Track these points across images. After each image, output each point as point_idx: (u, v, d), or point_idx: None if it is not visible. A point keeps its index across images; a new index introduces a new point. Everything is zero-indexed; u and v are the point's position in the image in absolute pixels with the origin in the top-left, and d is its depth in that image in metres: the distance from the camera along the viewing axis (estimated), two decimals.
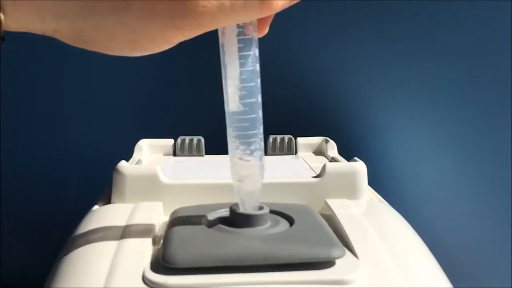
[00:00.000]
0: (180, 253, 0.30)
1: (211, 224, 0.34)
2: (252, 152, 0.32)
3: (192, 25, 0.28)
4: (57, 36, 0.30)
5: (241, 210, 0.34)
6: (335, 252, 0.31)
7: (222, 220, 0.35)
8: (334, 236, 0.33)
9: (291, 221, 0.35)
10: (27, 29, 0.29)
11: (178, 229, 0.34)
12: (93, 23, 0.29)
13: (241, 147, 0.32)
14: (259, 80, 0.32)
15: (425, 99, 0.67)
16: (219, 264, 0.30)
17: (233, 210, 0.34)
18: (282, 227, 0.34)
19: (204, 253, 0.31)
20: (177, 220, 0.36)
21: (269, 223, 0.34)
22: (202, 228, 0.34)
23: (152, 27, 0.28)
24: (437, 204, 0.68)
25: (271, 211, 0.35)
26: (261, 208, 0.34)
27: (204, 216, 0.36)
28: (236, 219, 0.34)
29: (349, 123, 0.70)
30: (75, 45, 0.30)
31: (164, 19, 0.28)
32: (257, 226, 0.33)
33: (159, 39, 0.29)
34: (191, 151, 0.61)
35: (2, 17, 0.28)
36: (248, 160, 0.33)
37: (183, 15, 0.28)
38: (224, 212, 0.36)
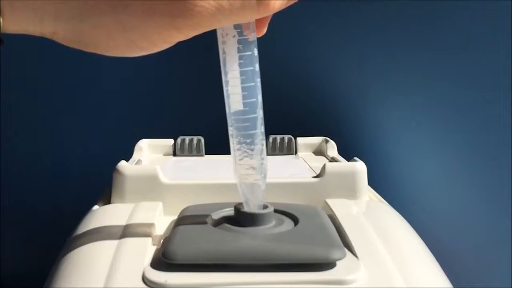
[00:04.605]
0: (181, 249, 0.31)
1: (217, 223, 0.35)
2: (254, 152, 0.33)
3: (190, 25, 0.28)
4: (55, 38, 0.30)
5: (245, 209, 0.34)
6: (335, 254, 0.31)
7: (228, 219, 0.35)
8: (337, 237, 0.33)
9: (296, 221, 0.35)
10: (25, 31, 0.29)
11: (182, 227, 0.34)
12: (91, 23, 0.29)
13: (243, 146, 0.32)
14: (259, 80, 0.32)
15: (426, 99, 0.67)
16: (219, 262, 0.30)
17: (237, 209, 0.34)
18: (286, 226, 0.34)
19: (204, 249, 0.31)
20: (184, 218, 0.36)
21: (273, 222, 0.34)
22: (206, 227, 0.34)
23: (150, 27, 0.28)
24: (437, 204, 0.68)
25: (278, 211, 0.35)
26: (265, 207, 0.34)
27: (210, 215, 0.36)
28: (240, 218, 0.34)
29: (349, 123, 0.70)
30: (73, 46, 0.30)
31: (162, 19, 0.28)
32: (261, 225, 0.34)
33: (157, 39, 0.29)
34: (191, 151, 0.61)
35: (1, 20, 0.28)
36: (250, 160, 0.33)
37: (182, 15, 0.28)
38: (230, 211, 0.36)
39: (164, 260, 0.30)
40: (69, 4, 0.28)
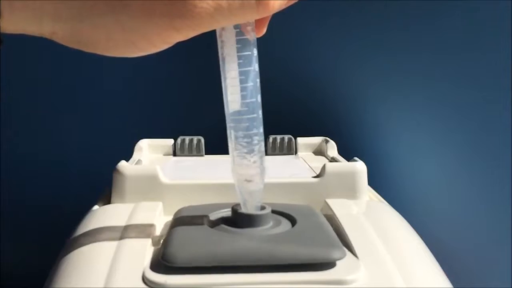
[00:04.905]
0: (180, 252, 0.30)
1: (214, 224, 0.35)
2: (252, 152, 0.32)
3: (189, 26, 0.28)
4: (54, 38, 0.30)
5: (243, 210, 0.34)
6: (335, 254, 0.31)
7: (225, 220, 0.35)
8: (335, 237, 0.33)
9: (293, 221, 0.35)
10: (24, 32, 0.29)
11: (179, 229, 0.34)
12: (90, 23, 0.29)
13: (242, 147, 0.32)
14: (258, 80, 0.32)
15: (426, 99, 0.67)
16: (219, 264, 0.30)
17: (235, 210, 0.34)
18: (284, 227, 0.34)
19: (204, 252, 0.31)
20: (180, 219, 0.36)
21: (271, 223, 0.34)
22: (204, 228, 0.34)
23: (149, 27, 0.28)
24: (437, 204, 0.68)
25: (274, 211, 0.35)
26: (263, 208, 0.34)
27: (207, 216, 0.36)
28: (238, 219, 0.34)
29: (349, 123, 0.70)
30: (72, 46, 0.30)
31: (161, 19, 0.28)
32: (258, 226, 0.33)
33: (156, 39, 0.29)
34: (191, 151, 0.61)
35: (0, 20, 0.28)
36: (249, 160, 0.32)
37: (181, 16, 0.28)
38: (227, 212, 0.36)
39: (163, 263, 0.30)
40: (68, 4, 0.28)
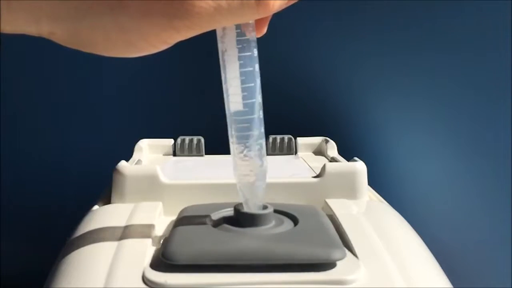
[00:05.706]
0: (181, 250, 0.31)
1: (216, 223, 0.35)
2: (254, 152, 0.32)
3: (188, 26, 0.28)
4: (52, 38, 0.30)
5: (245, 209, 0.34)
6: (335, 254, 0.31)
7: (227, 220, 0.35)
8: (337, 237, 0.33)
9: (295, 221, 0.35)
10: (22, 32, 0.29)
11: (182, 227, 0.34)
12: (89, 24, 0.29)
13: (243, 147, 0.32)
14: (258, 81, 0.32)
15: (425, 99, 0.67)
16: (219, 262, 0.30)
17: (237, 210, 0.34)
18: (286, 227, 0.34)
19: (204, 250, 0.31)
20: (183, 219, 0.36)
21: (273, 223, 0.34)
22: (206, 227, 0.34)
23: (148, 27, 0.28)
24: (437, 204, 0.68)
25: (277, 211, 0.35)
26: (265, 207, 0.34)
27: (209, 215, 0.36)
28: (240, 219, 0.34)
29: (349, 123, 0.70)
30: (71, 47, 0.30)
31: (160, 19, 0.28)
32: (260, 226, 0.33)
33: (155, 39, 0.29)
34: (191, 151, 0.61)
35: None
36: (250, 160, 0.33)
37: (180, 16, 0.28)
38: (229, 212, 0.36)
39: (163, 261, 0.30)
40: (66, 4, 0.28)
